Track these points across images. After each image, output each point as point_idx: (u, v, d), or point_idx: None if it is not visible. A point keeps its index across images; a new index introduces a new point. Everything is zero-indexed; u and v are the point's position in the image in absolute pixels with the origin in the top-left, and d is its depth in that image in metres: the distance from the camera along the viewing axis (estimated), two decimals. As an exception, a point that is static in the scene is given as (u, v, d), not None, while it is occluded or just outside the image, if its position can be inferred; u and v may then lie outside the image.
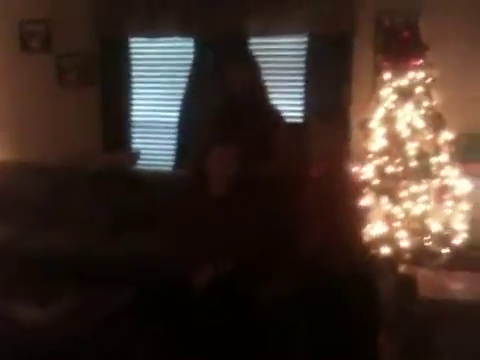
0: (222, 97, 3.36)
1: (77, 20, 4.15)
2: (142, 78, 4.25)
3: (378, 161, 3.26)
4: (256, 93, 3.24)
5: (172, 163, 4.13)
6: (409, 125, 3.19)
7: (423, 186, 3.16)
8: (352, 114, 3.66)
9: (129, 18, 4.09)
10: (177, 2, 3.98)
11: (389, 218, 3.20)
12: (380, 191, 3.22)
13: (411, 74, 3.22)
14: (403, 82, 3.23)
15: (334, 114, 3.65)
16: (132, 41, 4.19)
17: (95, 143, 4.23)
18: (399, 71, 3.25)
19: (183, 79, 4.06)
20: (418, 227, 3.15)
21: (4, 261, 3.42)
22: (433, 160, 3.17)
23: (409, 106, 3.21)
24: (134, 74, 4.22)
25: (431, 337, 2.70)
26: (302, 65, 3.90)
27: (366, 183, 3.14)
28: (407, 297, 2.76)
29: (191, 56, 4.05)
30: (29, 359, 2.71)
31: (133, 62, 4.22)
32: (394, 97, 3.25)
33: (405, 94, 3.22)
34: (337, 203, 2.71)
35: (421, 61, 3.20)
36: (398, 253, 3.13)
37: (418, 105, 3.21)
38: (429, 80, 3.23)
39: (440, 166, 3.17)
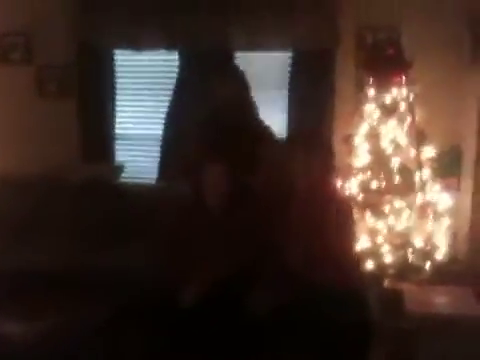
0: (208, 111, 3.35)
1: (58, 32, 4.11)
2: (126, 90, 4.23)
3: (362, 176, 3.31)
4: (243, 107, 3.23)
5: (156, 176, 4.11)
6: (393, 141, 3.24)
7: (406, 201, 3.21)
8: (335, 129, 3.69)
9: (112, 30, 4.06)
10: (161, 15, 3.97)
11: (373, 233, 3.24)
12: (364, 206, 3.27)
13: (394, 90, 3.29)
14: (387, 98, 3.28)
15: (318, 129, 3.70)
16: (116, 53, 4.17)
17: (77, 155, 4.19)
18: (383, 87, 3.31)
19: (168, 92, 4.06)
20: (401, 242, 3.20)
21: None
22: (416, 175, 3.23)
23: (392, 122, 3.27)
24: (118, 86, 4.20)
25: (416, 350, 2.74)
26: (286, 80, 3.93)
27: (350, 198, 3.17)
28: (394, 311, 2.80)
29: (176, 69, 4.05)
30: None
31: (117, 74, 4.20)
32: (378, 113, 3.31)
33: (389, 110, 3.28)
34: (324, 217, 2.72)
35: (404, 78, 3.26)
36: (382, 267, 3.18)
37: (401, 121, 3.27)
38: (412, 97, 3.29)
39: (422, 181, 3.23)
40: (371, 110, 3.35)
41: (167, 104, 4.08)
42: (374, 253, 3.20)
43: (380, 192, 3.26)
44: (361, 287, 2.77)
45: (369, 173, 3.30)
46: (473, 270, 3.23)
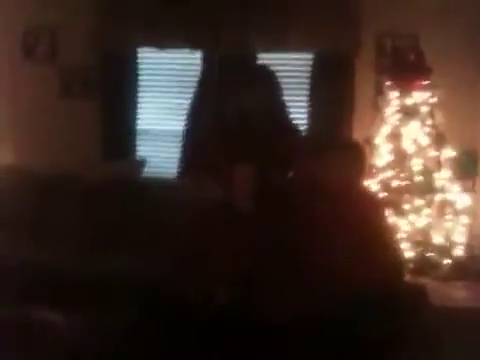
0: (236, 111, 3.33)
1: (83, 29, 4.19)
2: (148, 87, 4.33)
3: (383, 176, 3.45)
4: (272, 107, 3.24)
5: (177, 172, 4.21)
6: (414, 142, 3.39)
7: (426, 200, 3.36)
8: (357, 131, 3.83)
9: (137, 29, 4.16)
10: (184, 14, 4.08)
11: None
12: (385, 204, 3.40)
13: (415, 94, 3.43)
14: (408, 101, 3.43)
15: (338, 131, 3.83)
16: (139, 51, 4.28)
17: (99, 152, 4.28)
18: (404, 91, 3.46)
19: (190, 90, 4.17)
20: (421, 239, 3.34)
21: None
22: (436, 176, 3.38)
23: (414, 124, 3.41)
24: (140, 83, 4.30)
25: (439, 345, 2.84)
26: (306, 81, 4.06)
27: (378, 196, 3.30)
28: (418, 305, 2.89)
29: (198, 68, 4.16)
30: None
31: (140, 72, 4.30)
32: (399, 115, 3.45)
33: (410, 113, 3.43)
34: (354, 216, 2.79)
35: (426, 82, 3.41)
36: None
37: (422, 123, 3.41)
38: (432, 100, 3.44)
39: (442, 182, 3.38)
40: (392, 113, 3.49)
41: (189, 101, 4.18)
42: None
43: (401, 191, 3.40)
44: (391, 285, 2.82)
45: (390, 172, 3.44)
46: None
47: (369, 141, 3.54)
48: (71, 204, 3.96)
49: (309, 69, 4.06)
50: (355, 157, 2.84)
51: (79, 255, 3.54)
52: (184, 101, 4.21)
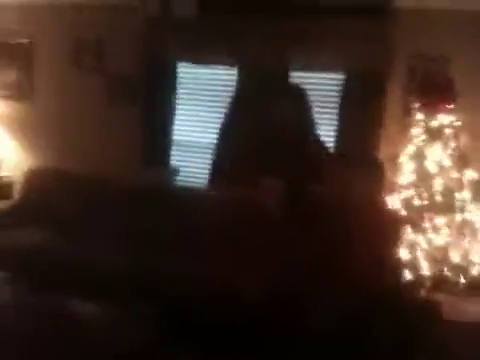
0: (268, 126, 3.56)
1: (130, 41, 4.44)
2: (186, 101, 4.55)
3: (405, 194, 3.56)
4: (302, 124, 3.46)
5: (208, 183, 4.40)
6: (437, 163, 3.49)
7: (446, 219, 3.45)
8: (383, 149, 3.94)
9: (179, 44, 4.40)
10: (224, 33, 4.29)
11: (412, 246, 3.48)
12: (405, 221, 3.51)
13: (441, 117, 3.54)
14: (434, 123, 3.54)
15: (367, 148, 3.96)
16: (179, 66, 4.50)
17: (137, 159, 4.51)
18: (430, 113, 3.57)
19: (224, 104, 4.36)
20: (439, 256, 3.43)
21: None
22: (457, 196, 3.47)
23: (438, 145, 3.52)
24: (179, 96, 4.52)
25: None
26: (336, 100, 4.21)
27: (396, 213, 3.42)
28: (432, 320, 2.99)
29: (234, 83, 4.36)
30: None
31: (178, 85, 4.52)
32: (424, 136, 3.56)
33: (435, 134, 3.54)
34: (379, 234, 2.92)
35: (452, 105, 3.52)
36: (419, 279, 3.41)
37: (446, 145, 3.52)
38: (457, 123, 3.54)
39: (463, 202, 3.47)
40: (418, 133, 3.61)
41: (223, 115, 4.38)
42: (412, 265, 3.43)
43: (422, 209, 3.50)
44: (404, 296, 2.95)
45: (412, 191, 3.54)
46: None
47: (394, 160, 3.65)
48: (110, 207, 4.21)
49: (340, 88, 4.20)
50: (374, 174, 2.97)
51: (117, 253, 3.74)
52: (218, 115, 4.40)
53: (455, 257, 3.40)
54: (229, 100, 4.37)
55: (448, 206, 3.47)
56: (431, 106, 3.59)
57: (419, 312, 3.17)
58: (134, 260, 3.65)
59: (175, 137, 4.60)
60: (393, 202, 3.57)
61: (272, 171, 3.23)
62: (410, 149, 3.62)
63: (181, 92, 4.56)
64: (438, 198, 3.48)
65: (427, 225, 3.47)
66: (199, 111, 4.59)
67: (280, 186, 3.17)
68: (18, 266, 3.39)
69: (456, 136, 3.55)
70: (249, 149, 3.68)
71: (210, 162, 4.41)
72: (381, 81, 4.04)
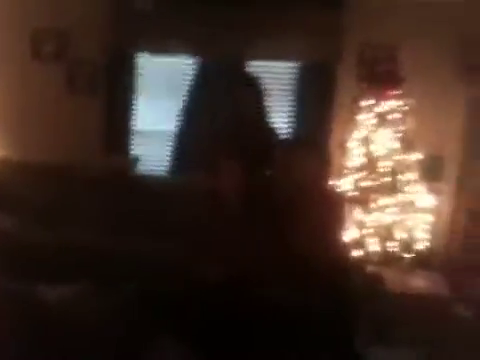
0: (228, 114, 3.72)
1: (91, 32, 4.51)
2: (146, 90, 4.66)
3: (354, 176, 3.76)
4: (258, 111, 3.61)
5: (170, 169, 4.53)
6: (385, 146, 3.69)
7: (391, 199, 3.66)
8: (333, 134, 4.13)
9: (138, 34, 4.50)
10: (183, 22, 4.41)
11: (360, 225, 3.69)
12: (354, 202, 3.72)
13: (389, 102, 3.74)
14: (381, 108, 3.73)
15: (317, 134, 4.14)
16: (139, 55, 4.60)
17: (97, 148, 4.60)
18: (378, 99, 3.77)
19: (184, 93, 4.49)
20: (385, 234, 3.65)
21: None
22: (402, 177, 3.68)
23: (387, 130, 3.71)
24: (138, 86, 4.64)
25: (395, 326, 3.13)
26: (290, 89, 4.38)
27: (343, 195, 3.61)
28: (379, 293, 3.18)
29: (193, 72, 4.49)
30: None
31: (139, 75, 4.63)
32: (372, 121, 3.76)
33: (382, 119, 3.73)
34: (325, 213, 3.09)
35: (399, 91, 3.72)
36: (367, 256, 3.62)
37: (393, 130, 3.72)
38: (405, 108, 3.75)
39: (408, 183, 3.68)
40: (366, 118, 3.80)
41: (183, 104, 4.51)
42: (360, 243, 3.64)
43: (369, 190, 3.71)
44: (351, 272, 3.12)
45: (361, 173, 3.74)
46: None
47: (345, 144, 3.84)
48: (75, 195, 4.31)
49: (294, 76, 4.37)
50: (323, 158, 3.14)
51: (85, 238, 3.79)
52: (177, 103, 4.53)
53: (400, 234, 3.62)
54: (188, 89, 4.50)
55: (394, 187, 3.67)
56: (379, 92, 3.78)
57: (366, 286, 3.38)
58: (100, 245, 3.72)
59: (136, 126, 4.70)
60: (344, 184, 3.77)
61: (230, 156, 3.37)
62: (360, 134, 3.81)
63: (141, 81, 4.66)
64: (385, 179, 3.68)
65: (374, 205, 3.67)
66: (159, 100, 4.70)
67: (238, 170, 3.30)
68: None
69: (403, 121, 3.74)
70: (208, 136, 3.83)
71: (171, 150, 4.55)
72: (332, 69, 4.23)
